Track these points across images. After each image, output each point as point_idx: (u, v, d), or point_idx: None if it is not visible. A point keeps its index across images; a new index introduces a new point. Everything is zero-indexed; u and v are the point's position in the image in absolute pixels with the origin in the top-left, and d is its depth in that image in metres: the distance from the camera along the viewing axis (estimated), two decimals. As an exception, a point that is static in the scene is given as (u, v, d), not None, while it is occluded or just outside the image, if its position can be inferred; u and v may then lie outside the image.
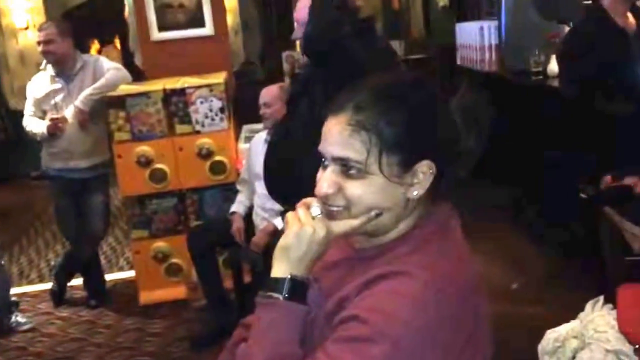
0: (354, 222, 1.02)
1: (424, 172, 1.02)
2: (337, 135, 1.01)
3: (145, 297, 3.53)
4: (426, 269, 0.99)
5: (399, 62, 3.07)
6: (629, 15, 3.10)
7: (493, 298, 3.38)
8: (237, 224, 3.11)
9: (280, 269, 1.04)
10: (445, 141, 1.04)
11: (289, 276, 1.02)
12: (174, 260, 3.52)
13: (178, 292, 3.49)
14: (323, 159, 1.04)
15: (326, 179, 1.03)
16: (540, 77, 4.08)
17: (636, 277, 1.65)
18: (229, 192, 3.40)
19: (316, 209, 1.05)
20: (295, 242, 1.03)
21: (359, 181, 1.00)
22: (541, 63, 4.09)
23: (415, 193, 1.03)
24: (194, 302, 3.38)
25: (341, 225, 1.03)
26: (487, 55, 4.52)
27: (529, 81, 4.12)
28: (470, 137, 1.05)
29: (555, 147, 3.48)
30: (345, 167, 1.01)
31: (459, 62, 5.05)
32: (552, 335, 1.74)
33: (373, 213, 1.01)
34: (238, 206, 3.19)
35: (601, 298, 1.71)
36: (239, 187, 3.28)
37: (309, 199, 1.07)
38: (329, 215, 1.04)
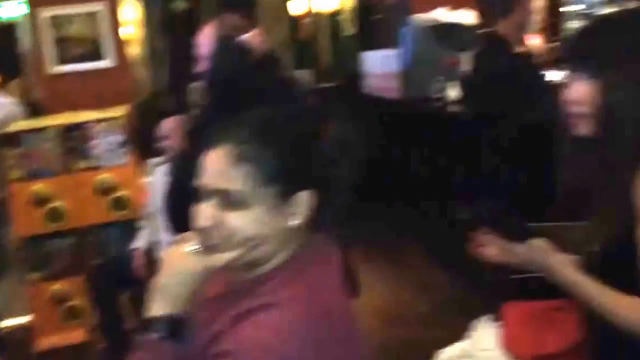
0: (232, 254, 1.03)
1: (303, 202, 1.05)
2: (217, 168, 1.03)
3: (43, 343, 3.36)
4: (299, 299, 1.01)
5: (303, 94, 3.12)
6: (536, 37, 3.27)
7: (400, 323, 3.44)
8: (140, 261, 3.02)
9: (157, 308, 1.03)
10: (325, 172, 1.07)
11: (166, 314, 1.02)
12: (73, 302, 3.37)
13: (77, 335, 3.35)
14: (201, 192, 1.05)
15: (204, 212, 1.03)
16: (441, 103, 4.22)
17: (520, 295, 1.71)
18: (132, 228, 3.30)
19: (193, 243, 1.05)
20: (172, 280, 1.03)
21: (238, 213, 1.01)
22: (441, 89, 4.24)
23: (294, 223, 1.05)
24: (94, 345, 3.24)
25: (219, 258, 1.03)
26: (390, 82, 4.64)
27: (431, 107, 4.26)
28: (346, 166, 1.09)
29: (456, 171, 3.59)
30: (224, 199, 1.02)
31: (365, 90, 5.16)
32: (442, 356, 1.77)
33: (251, 243, 1.02)
34: (141, 242, 3.10)
35: (490, 316, 1.76)
36: (143, 222, 3.20)
37: (187, 234, 1.07)
38: (208, 248, 1.04)
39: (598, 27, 1.55)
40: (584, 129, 1.44)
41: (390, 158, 4.29)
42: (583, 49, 1.45)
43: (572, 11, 4.63)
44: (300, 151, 1.06)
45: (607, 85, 1.37)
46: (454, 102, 4.04)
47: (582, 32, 1.60)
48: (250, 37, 2.50)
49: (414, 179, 4.14)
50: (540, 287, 1.54)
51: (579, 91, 1.42)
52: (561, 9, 4.66)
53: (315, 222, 1.08)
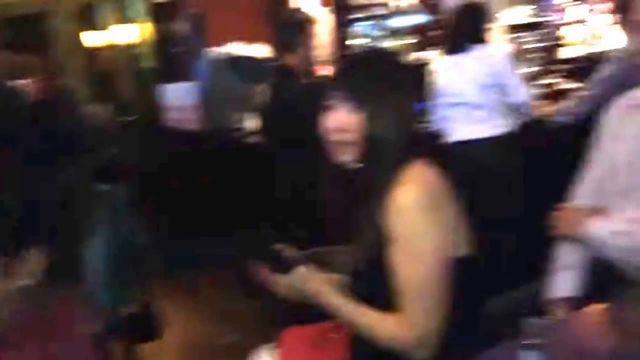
0: None
1: (33, 260, 0.98)
2: None
3: None
4: None
5: (96, 130, 2.98)
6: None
7: (207, 355, 3.36)
8: None
9: None
10: (61, 224, 1.01)
11: None
12: None
13: None
14: None
15: None
16: (239, 134, 4.27)
17: (299, 320, 1.76)
18: None
19: None
20: None
21: None
22: (240, 120, 4.30)
23: (23, 283, 0.98)
24: None
25: None
26: (190, 115, 4.61)
27: (230, 138, 4.29)
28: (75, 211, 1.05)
29: (259, 202, 3.63)
30: None
31: (166, 123, 5.08)
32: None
33: None
34: None
35: (270, 344, 1.79)
36: None
37: None
38: None
39: (360, 61, 1.66)
40: (346, 156, 1.53)
41: (191, 190, 4.24)
42: (346, 81, 1.54)
43: (358, 44, 4.97)
44: (32, 209, 1.00)
45: (370, 116, 1.47)
46: (253, 133, 4.11)
47: (345, 66, 1.71)
48: (28, 83, 2.37)
49: (214, 211, 4.12)
50: (317, 311, 1.60)
51: (341, 120, 1.51)
52: (348, 42, 4.98)
53: (52, 276, 1.02)
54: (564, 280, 1.77)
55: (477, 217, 2.99)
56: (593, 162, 1.84)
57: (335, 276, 1.66)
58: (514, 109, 3.43)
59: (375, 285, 1.48)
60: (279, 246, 1.65)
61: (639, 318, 1.21)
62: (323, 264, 1.67)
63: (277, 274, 1.59)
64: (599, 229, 1.67)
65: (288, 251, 1.65)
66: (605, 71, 3.08)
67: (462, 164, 3.21)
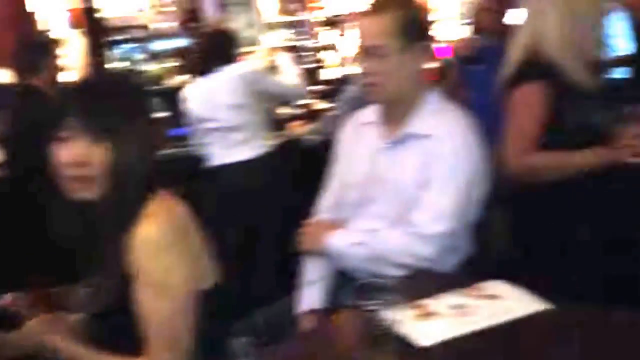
0: None
1: None
2: None
3: None
4: None
5: None
6: None
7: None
8: None
9: None
10: None
11: None
12: None
13: None
14: None
15: None
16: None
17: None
18: None
19: None
20: None
21: None
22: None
23: None
24: None
25: None
26: None
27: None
28: None
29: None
30: None
31: None
32: None
33: None
34: None
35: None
36: None
37: None
38: None
39: (98, 88, 1.54)
40: (84, 192, 1.40)
41: None
42: (83, 110, 1.41)
43: (116, 67, 4.79)
44: None
45: (112, 147, 1.37)
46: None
47: (81, 93, 1.56)
48: None
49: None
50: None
51: (78, 153, 1.38)
52: (106, 65, 4.77)
53: None
54: (309, 293, 1.83)
55: (232, 240, 3.00)
56: (332, 176, 1.94)
57: (73, 317, 1.53)
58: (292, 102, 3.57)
59: (119, 324, 1.40)
60: (3, 298, 1.48)
61: (365, 324, 1.27)
62: (59, 306, 1.54)
63: (2, 331, 1.41)
64: (338, 241, 1.76)
65: (16, 300, 1.49)
66: (350, 92, 3.32)
67: (220, 189, 3.23)
